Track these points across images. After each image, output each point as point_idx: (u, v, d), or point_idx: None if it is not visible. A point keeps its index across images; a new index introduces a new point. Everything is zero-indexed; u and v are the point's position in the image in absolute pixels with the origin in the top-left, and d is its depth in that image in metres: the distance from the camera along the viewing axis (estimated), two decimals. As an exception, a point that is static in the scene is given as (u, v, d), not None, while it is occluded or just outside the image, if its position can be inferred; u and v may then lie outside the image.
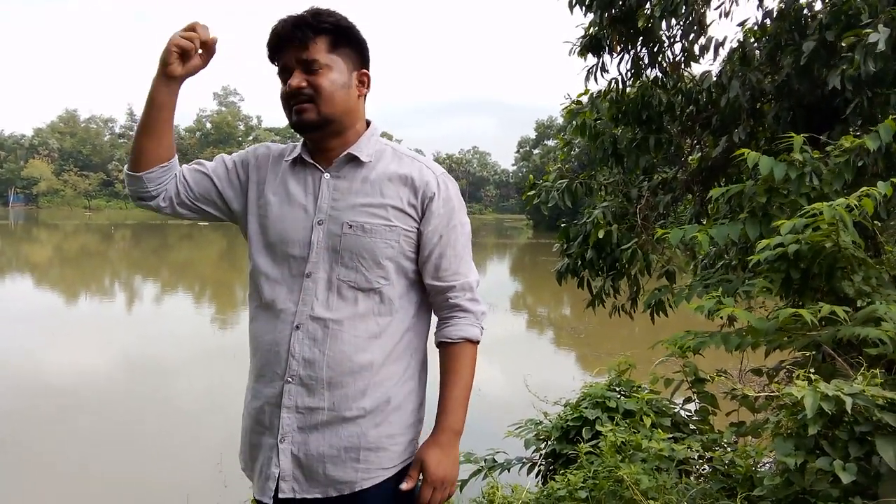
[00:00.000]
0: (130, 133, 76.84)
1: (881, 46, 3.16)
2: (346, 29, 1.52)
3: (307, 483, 1.51)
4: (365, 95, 1.59)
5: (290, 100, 1.49)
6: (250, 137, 74.77)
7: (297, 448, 1.51)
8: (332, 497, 1.52)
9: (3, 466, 5.96)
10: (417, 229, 1.54)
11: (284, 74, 1.50)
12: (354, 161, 1.54)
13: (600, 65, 4.57)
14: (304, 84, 1.47)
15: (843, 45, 3.41)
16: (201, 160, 1.67)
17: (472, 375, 1.62)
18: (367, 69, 1.59)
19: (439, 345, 1.61)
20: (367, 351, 1.51)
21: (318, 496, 1.52)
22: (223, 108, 75.85)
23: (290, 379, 1.50)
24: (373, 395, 1.52)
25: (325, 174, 1.54)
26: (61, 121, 75.25)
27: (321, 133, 1.52)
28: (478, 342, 1.62)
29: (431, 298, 1.61)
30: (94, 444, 6.50)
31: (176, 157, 1.60)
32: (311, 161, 1.56)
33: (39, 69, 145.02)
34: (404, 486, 1.54)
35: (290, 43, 1.48)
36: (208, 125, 74.09)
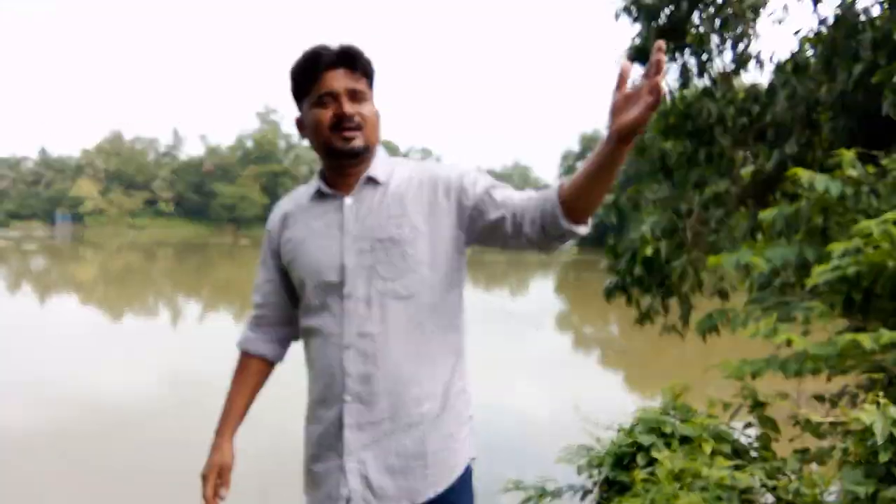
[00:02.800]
0: (174, 152, 78.98)
1: None
2: (374, 72, 1.61)
3: (379, 501, 1.54)
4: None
5: (339, 125, 1.53)
6: (291, 154, 75.91)
7: (364, 466, 1.54)
8: None
9: (56, 477, 6.03)
10: (457, 213, 1.58)
11: (329, 100, 1.53)
12: (372, 182, 1.61)
13: (646, 75, 4.48)
14: (355, 112, 1.54)
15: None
16: (257, 293, 1.77)
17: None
18: None
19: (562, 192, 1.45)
20: (417, 357, 1.57)
21: None
22: (265, 126, 77.21)
23: (347, 398, 1.55)
24: (428, 399, 1.57)
25: (347, 199, 1.61)
26: (107, 142, 77.38)
27: (359, 160, 1.58)
28: None
29: (526, 220, 1.50)
30: (138, 457, 6.57)
31: (276, 349, 1.78)
32: (330, 191, 1.63)
33: (87, 92, 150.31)
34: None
35: (340, 69, 1.53)
36: (249, 143, 75.47)
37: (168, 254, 41.46)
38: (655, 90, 1.28)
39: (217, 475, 1.68)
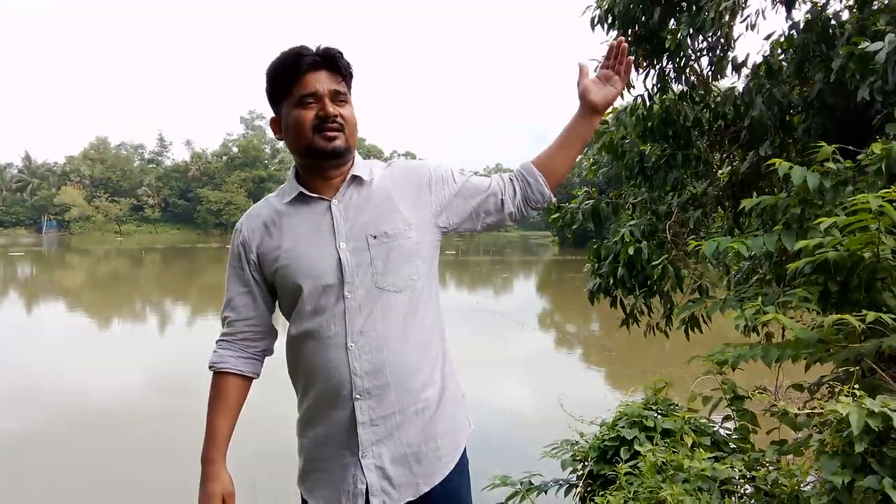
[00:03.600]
0: (160, 158, 78.37)
1: (881, 58, 3.10)
2: (353, 71, 1.63)
3: (397, 491, 1.59)
4: None
5: (322, 126, 1.55)
6: (276, 160, 75.56)
7: (380, 459, 1.58)
8: (423, 494, 1.60)
9: (41, 479, 6.06)
10: (437, 203, 1.69)
11: (311, 101, 1.55)
12: (357, 181, 1.65)
13: (625, 81, 4.56)
14: (337, 113, 1.56)
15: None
16: (229, 308, 1.73)
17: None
18: None
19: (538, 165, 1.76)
20: (416, 345, 1.61)
21: (411, 499, 1.59)
22: (250, 132, 76.79)
23: (357, 396, 1.56)
24: (430, 384, 1.63)
25: (333, 201, 1.62)
26: (92, 147, 76.81)
27: (338, 161, 1.61)
28: None
29: (506, 197, 1.74)
30: (126, 460, 6.58)
31: (254, 365, 1.74)
32: (313, 195, 1.63)
33: (71, 97, 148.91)
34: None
35: (322, 71, 1.56)
36: (234, 149, 75.03)
37: (155, 259, 41.12)
38: (627, 71, 1.69)
39: None
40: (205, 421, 1.69)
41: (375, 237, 1.58)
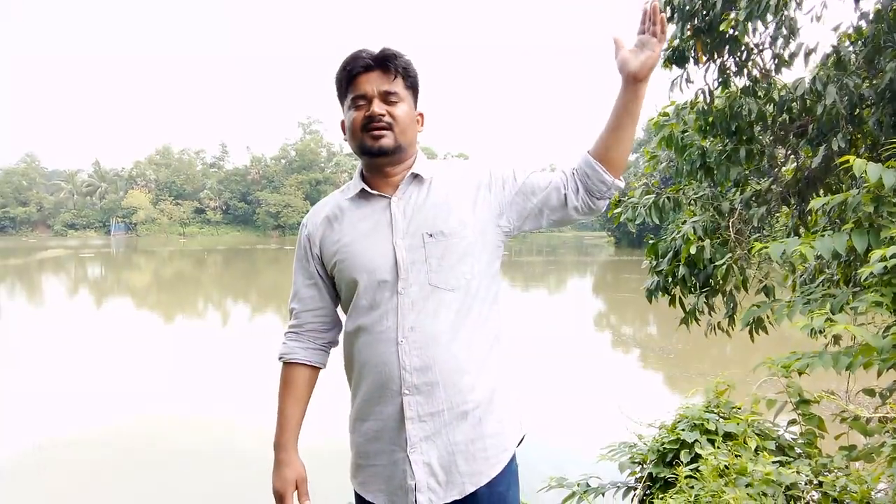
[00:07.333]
0: (220, 162, 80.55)
1: None
2: (415, 73, 1.67)
3: (443, 489, 1.60)
4: (418, 133, 1.72)
5: (368, 125, 1.59)
6: (332, 163, 76.77)
7: (428, 456, 1.59)
8: (469, 494, 1.60)
9: (121, 476, 6.31)
10: (498, 203, 1.67)
11: (362, 102, 1.61)
12: (417, 180, 1.67)
13: (685, 76, 4.46)
14: (384, 112, 1.59)
15: None
16: (296, 300, 1.78)
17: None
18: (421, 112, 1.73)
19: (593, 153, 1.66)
20: (467, 345, 1.60)
21: (457, 497, 1.59)
22: (307, 136, 78.25)
23: (406, 391, 1.58)
24: (481, 385, 1.61)
25: (392, 199, 1.65)
26: (157, 153, 79.56)
27: (391, 158, 1.63)
28: None
29: (569, 192, 1.67)
30: (193, 459, 6.79)
31: (321, 356, 1.78)
32: (374, 192, 1.67)
33: (138, 107, 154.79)
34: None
35: (373, 73, 1.60)
36: (292, 153, 76.56)
37: (217, 260, 42.32)
38: (663, 30, 1.59)
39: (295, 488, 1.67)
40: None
41: (431, 235, 1.60)
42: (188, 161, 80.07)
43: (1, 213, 73.75)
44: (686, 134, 4.60)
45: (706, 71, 4.38)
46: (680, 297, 4.48)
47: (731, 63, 4.34)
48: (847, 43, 4.15)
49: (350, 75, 1.61)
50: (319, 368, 1.78)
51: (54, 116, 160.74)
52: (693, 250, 4.08)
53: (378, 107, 1.59)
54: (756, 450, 2.90)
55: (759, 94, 4.34)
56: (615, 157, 1.64)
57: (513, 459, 1.69)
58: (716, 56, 4.29)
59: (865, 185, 2.74)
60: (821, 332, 3.05)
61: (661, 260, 4.45)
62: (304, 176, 72.94)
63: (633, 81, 1.57)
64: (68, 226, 74.65)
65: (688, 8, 4.03)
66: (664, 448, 3.18)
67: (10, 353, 12.02)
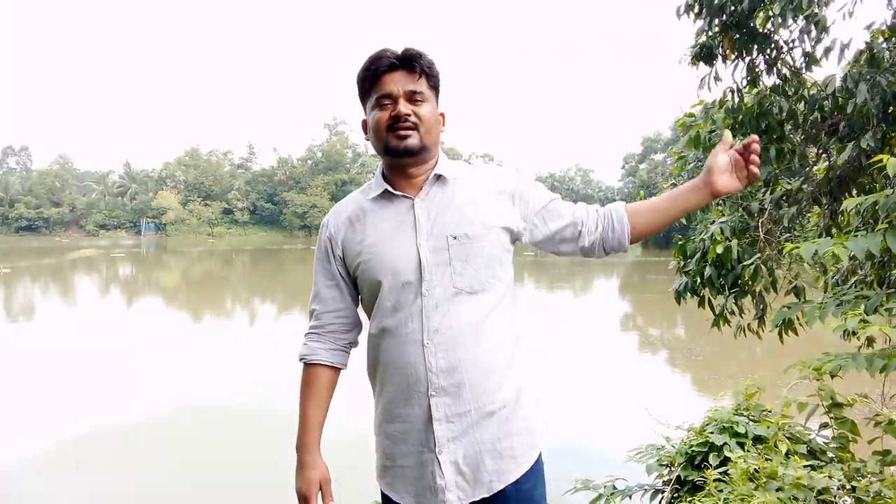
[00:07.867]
0: (248, 164, 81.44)
1: None
2: (438, 73, 1.67)
3: (471, 488, 1.61)
4: (441, 133, 1.72)
5: (394, 125, 1.59)
6: (357, 164, 77.22)
7: (456, 456, 1.60)
8: (497, 493, 1.61)
9: (154, 465, 6.42)
10: (519, 218, 1.69)
11: (387, 101, 1.60)
12: (441, 181, 1.67)
13: (713, 74, 4.39)
14: (410, 112, 1.59)
15: None
16: (317, 301, 1.77)
17: None
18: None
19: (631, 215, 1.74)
20: (493, 347, 1.61)
21: (485, 495, 1.61)
22: (333, 137, 78.80)
23: (433, 393, 1.59)
24: (507, 385, 1.63)
25: (416, 199, 1.65)
26: (186, 154, 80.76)
27: (415, 159, 1.63)
28: None
29: (584, 230, 1.73)
30: (224, 454, 6.88)
31: (343, 356, 1.78)
32: (398, 192, 1.66)
33: (166, 109, 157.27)
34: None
35: (398, 72, 1.60)
36: (318, 154, 77.12)
37: (245, 260, 42.82)
38: (751, 175, 1.67)
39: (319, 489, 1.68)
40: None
41: (455, 238, 1.60)
42: (216, 162, 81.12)
43: (35, 214, 75.40)
44: (714, 133, 4.53)
45: (734, 68, 4.31)
46: (709, 299, 4.42)
47: (760, 61, 4.26)
48: (881, 39, 4.05)
49: (374, 74, 1.61)
50: (340, 369, 1.78)
51: (87, 118, 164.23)
52: (720, 250, 4.02)
53: (404, 106, 1.59)
54: (787, 454, 2.86)
55: (790, 91, 4.26)
56: (645, 232, 1.74)
57: (539, 457, 1.70)
58: (744, 53, 4.22)
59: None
60: (854, 333, 3.00)
61: (689, 260, 4.39)
62: (329, 177, 73.50)
63: (708, 190, 1.67)
64: (100, 226, 76.15)
65: (716, 2, 3.96)
66: (692, 451, 3.15)
67: (44, 350, 12.29)
